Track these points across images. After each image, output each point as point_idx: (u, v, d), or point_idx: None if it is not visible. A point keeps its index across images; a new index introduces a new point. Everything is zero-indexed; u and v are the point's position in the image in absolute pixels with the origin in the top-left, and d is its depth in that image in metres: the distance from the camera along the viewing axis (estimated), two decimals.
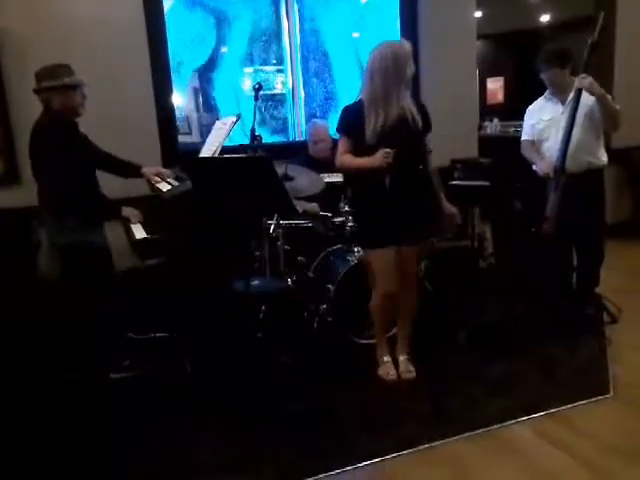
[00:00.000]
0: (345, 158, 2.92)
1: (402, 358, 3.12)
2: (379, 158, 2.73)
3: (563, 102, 3.42)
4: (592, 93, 3.21)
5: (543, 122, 3.50)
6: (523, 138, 3.67)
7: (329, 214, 3.64)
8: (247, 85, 4.56)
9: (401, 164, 2.76)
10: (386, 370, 3.08)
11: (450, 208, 3.06)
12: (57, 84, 2.93)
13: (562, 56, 3.36)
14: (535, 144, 3.57)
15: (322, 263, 3.56)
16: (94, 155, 3.17)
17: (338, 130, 2.96)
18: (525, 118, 3.69)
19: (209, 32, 4.44)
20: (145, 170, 3.36)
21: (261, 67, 4.65)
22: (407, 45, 2.84)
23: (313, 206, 3.62)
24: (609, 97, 3.32)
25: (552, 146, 3.41)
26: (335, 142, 3.16)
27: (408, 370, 3.07)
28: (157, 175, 3.35)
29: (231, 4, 4.47)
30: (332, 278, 3.36)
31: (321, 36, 4.74)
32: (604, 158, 3.48)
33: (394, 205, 2.82)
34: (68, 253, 3.03)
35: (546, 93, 3.56)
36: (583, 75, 3.21)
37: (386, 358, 3.12)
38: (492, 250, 4.59)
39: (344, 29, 4.81)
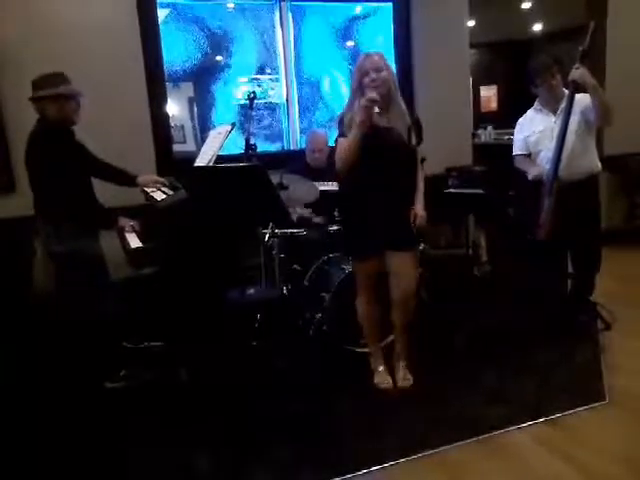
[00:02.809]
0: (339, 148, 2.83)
1: (401, 365, 3.12)
2: (360, 111, 2.63)
3: (554, 112, 3.43)
4: (584, 83, 3.20)
5: (536, 134, 3.48)
6: (516, 153, 3.63)
7: (311, 214, 3.63)
8: (241, 94, 4.58)
9: (380, 177, 2.76)
10: (381, 378, 3.08)
11: (420, 210, 2.92)
12: (52, 93, 2.93)
13: (559, 61, 3.38)
14: (531, 156, 3.56)
15: (317, 272, 3.56)
16: (90, 163, 3.18)
17: (339, 135, 2.89)
18: (515, 132, 3.66)
19: (203, 42, 4.46)
20: (140, 179, 3.37)
21: (256, 76, 4.67)
22: (368, 57, 2.76)
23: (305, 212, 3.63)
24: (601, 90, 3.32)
25: (547, 156, 3.41)
26: (332, 151, 3.13)
27: (406, 378, 3.07)
28: (152, 184, 3.36)
29: (226, 14, 4.49)
30: (327, 287, 3.37)
31: (315, 45, 4.76)
32: (598, 164, 3.50)
33: (377, 216, 2.82)
34: (63, 262, 3.02)
35: (535, 104, 3.55)
36: (577, 65, 3.20)
37: (381, 367, 3.12)
38: (487, 258, 4.61)
39: (338, 38, 4.85)
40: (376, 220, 2.83)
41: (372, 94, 2.62)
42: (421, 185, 2.96)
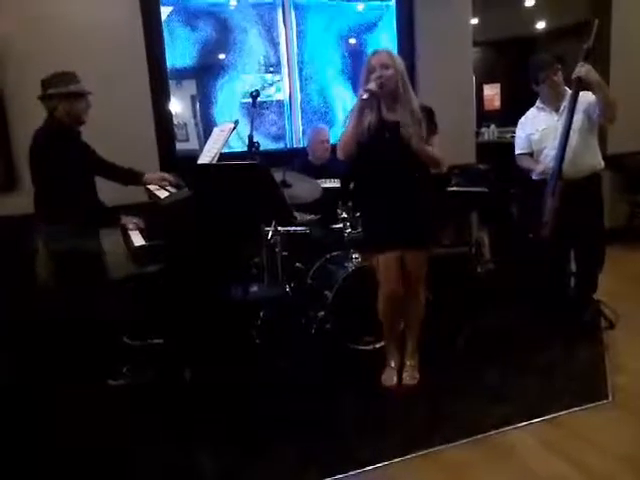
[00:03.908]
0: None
1: (409, 363, 3.11)
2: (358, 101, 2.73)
3: (557, 110, 3.43)
4: (588, 81, 3.19)
5: (539, 132, 3.49)
6: (518, 152, 3.63)
7: (317, 216, 3.64)
8: (244, 92, 4.57)
9: (388, 171, 2.77)
10: (388, 375, 3.08)
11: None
12: (63, 91, 2.94)
13: (560, 60, 3.38)
14: (534, 155, 3.56)
15: (320, 270, 3.56)
16: (95, 163, 3.18)
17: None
18: (518, 130, 3.66)
19: (206, 39, 4.45)
20: (147, 177, 3.37)
21: (259, 74, 4.66)
22: (376, 54, 2.80)
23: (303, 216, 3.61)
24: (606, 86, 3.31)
25: (550, 154, 3.41)
26: (334, 148, 3.14)
27: (413, 376, 3.06)
28: (161, 181, 3.36)
29: (228, 12, 4.49)
30: (330, 285, 3.36)
31: (318, 42, 4.76)
32: (601, 162, 3.49)
33: (387, 209, 2.84)
34: (61, 260, 3.02)
35: (537, 103, 3.55)
36: (581, 63, 3.19)
37: (392, 363, 3.12)
38: (490, 256, 4.60)
39: (341, 36, 4.84)
40: (386, 213, 2.85)
41: (370, 85, 2.69)
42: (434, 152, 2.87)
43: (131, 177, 3.37)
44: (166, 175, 3.44)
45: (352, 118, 2.79)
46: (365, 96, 2.69)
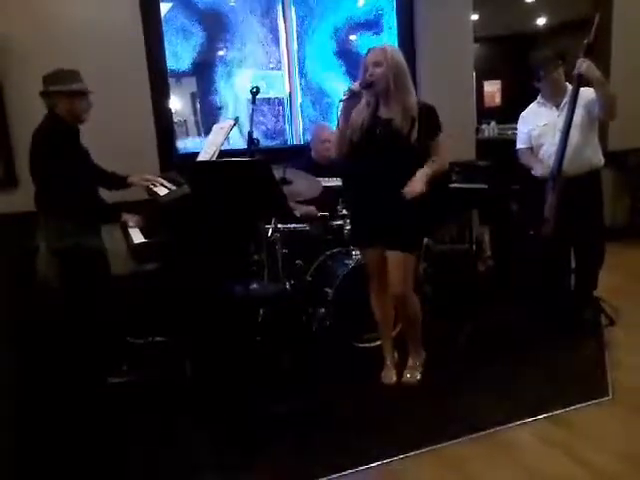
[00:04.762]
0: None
1: (410, 362, 3.11)
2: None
3: (557, 106, 3.42)
4: (589, 77, 3.18)
5: (539, 128, 3.48)
6: (519, 146, 3.62)
7: (326, 214, 3.64)
8: (244, 89, 4.56)
9: (377, 168, 2.75)
10: (386, 373, 3.08)
11: (417, 182, 2.72)
12: (64, 89, 2.93)
13: (561, 56, 3.37)
14: (533, 150, 3.56)
15: (320, 267, 3.56)
16: (91, 166, 3.17)
17: None
18: (519, 125, 3.65)
19: (206, 36, 4.44)
20: (132, 179, 3.34)
21: (259, 71, 4.65)
22: (371, 51, 2.77)
23: (311, 209, 3.62)
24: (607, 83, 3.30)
25: (549, 150, 3.41)
26: None
27: (412, 375, 3.05)
28: (145, 181, 3.34)
29: (228, 8, 4.48)
30: (330, 282, 3.36)
31: (318, 39, 4.74)
32: (601, 158, 3.49)
33: (374, 205, 2.82)
34: (64, 257, 3.02)
35: (539, 98, 3.54)
36: (582, 59, 3.17)
37: (389, 361, 3.12)
38: (490, 253, 4.59)
39: (341, 31, 4.82)
40: (373, 209, 2.84)
41: (353, 85, 2.72)
42: (433, 165, 2.79)
43: (116, 182, 3.34)
44: (149, 176, 3.41)
45: (340, 118, 2.79)
46: (345, 96, 2.69)
